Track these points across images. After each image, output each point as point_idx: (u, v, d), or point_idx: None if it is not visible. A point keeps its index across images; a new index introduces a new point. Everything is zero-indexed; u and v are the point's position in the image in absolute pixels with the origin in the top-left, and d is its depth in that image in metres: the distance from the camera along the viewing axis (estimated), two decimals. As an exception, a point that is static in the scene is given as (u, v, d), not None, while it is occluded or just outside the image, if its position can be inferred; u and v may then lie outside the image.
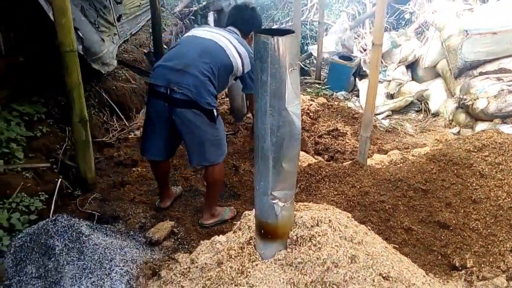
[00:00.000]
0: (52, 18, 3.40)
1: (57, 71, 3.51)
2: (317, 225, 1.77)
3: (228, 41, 2.91)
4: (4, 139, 3.24)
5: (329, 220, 1.81)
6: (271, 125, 1.56)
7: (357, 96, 6.10)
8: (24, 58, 3.88)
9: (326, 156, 4.37)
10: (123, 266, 2.65)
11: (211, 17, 7.91)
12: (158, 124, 2.95)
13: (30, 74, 3.89)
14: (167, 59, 2.84)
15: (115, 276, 2.57)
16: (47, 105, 3.98)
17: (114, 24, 5.33)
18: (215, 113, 2.88)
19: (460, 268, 2.72)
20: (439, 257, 2.82)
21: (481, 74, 4.91)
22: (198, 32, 2.98)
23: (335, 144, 4.53)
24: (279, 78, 1.48)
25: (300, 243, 1.73)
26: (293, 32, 1.47)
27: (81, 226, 2.77)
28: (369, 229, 2.07)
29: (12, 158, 3.25)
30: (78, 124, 3.32)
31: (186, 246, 3.03)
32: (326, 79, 6.49)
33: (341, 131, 4.76)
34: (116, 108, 4.88)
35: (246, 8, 3.20)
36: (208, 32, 2.94)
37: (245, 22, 3.12)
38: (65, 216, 2.83)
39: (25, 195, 3.10)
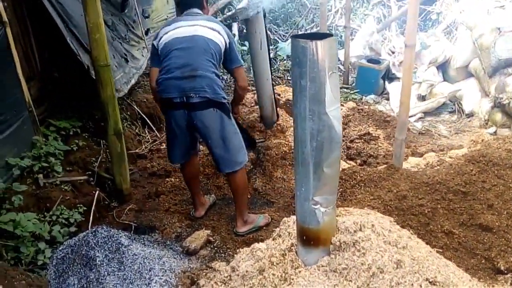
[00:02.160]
0: (69, 43, 3.51)
1: (91, 85, 3.60)
2: (360, 230, 1.74)
3: (206, 28, 2.94)
4: (43, 153, 3.33)
5: (372, 224, 1.78)
6: (311, 129, 1.54)
7: (387, 99, 6.01)
8: (59, 74, 3.99)
9: (359, 161, 4.31)
10: (162, 275, 2.68)
11: (235, 27, 7.97)
12: (179, 134, 3.05)
13: (65, 89, 4.00)
14: (171, 71, 2.88)
15: (154, 286, 2.59)
16: (82, 119, 4.08)
17: (143, 38, 5.43)
18: (229, 106, 3.05)
19: (505, 271, 2.62)
20: (483, 261, 2.73)
21: (516, 71, 4.78)
22: (176, 32, 2.95)
23: (367, 148, 4.47)
24: (318, 82, 1.47)
25: (344, 248, 1.70)
26: (331, 35, 1.45)
27: (120, 237, 2.81)
28: (411, 234, 2.02)
29: (51, 172, 3.34)
30: (113, 136, 3.39)
31: (223, 255, 3.03)
32: (354, 83, 6.42)
33: (373, 135, 4.69)
34: (148, 120, 4.95)
35: None
36: (185, 28, 2.94)
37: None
38: (104, 227, 2.88)
39: (65, 208, 3.18)
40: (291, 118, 4.28)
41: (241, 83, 3.15)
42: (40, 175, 3.24)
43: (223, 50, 2.99)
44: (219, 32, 2.97)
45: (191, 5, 3.08)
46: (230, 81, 6.59)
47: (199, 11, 3.09)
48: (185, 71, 2.85)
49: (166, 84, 2.90)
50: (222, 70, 3.37)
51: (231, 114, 3.08)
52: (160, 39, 2.98)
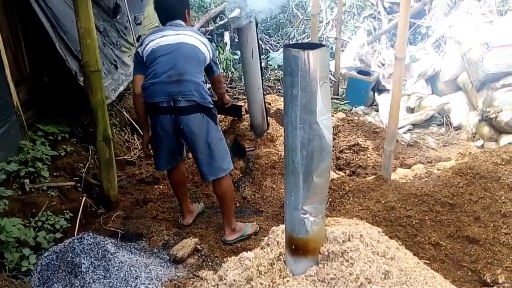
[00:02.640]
0: (58, 48, 3.50)
1: (80, 91, 3.58)
2: (349, 240, 1.73)
3: (192, 37, 2.99)
4: (30, 158, 3.29)
5: (361, 235, 1.78)
6: (302, 138, 1.54)
7: (377, 110, 6.06)
8: (49, 79, 3.96)
9: (348, 171, 4.32)
10: (149, 284, 2.65)
11: (227, 36, 8.00)
12: (165, 139, 3.06)
13: (54, 94, 3.97)
14: (158, 76, 2.90)
15: (141, 294, 2.56)
16: (70, 124, 4.05)
17: (134, 44, 5.42)
18: (215, 112, 3.10)
19: (491, 284, 2.64)
20: (469, 273, 2.75)
21: (504, 86, 4.84)
22: (162, 40, 2.97)
23: (356, 159, 4.49)
24: (309, 91, 1.47)
25: (332, 258, 1.70)
26: (323, 45, 1.46)
27: (107, 244, 2.78)
28: (399, 244, 2.03)
29: (38, 177, 3.30)
30: (102, 142, 3.37)
31: (210, 263, 3.01)
32: (344, 94, 6.47)
33: (362, 145, 4.71)
34: (137, 126, 4.92)
35: (162, 1, 3.17)
36: (171, 37, 2.97)
37: (177, 10, 3.11)
38: (90, 234, 2.85)
39: (51, 214, 3.13)
40: (281, 127, 4.29)
41: (222, 89, 3.49)
42: (27, 180, 3.20)
43: (207, 61, 3.05)
44: (204, 44, 3.03)
45: (174, 17, 3.10)
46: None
47: (183, 23, 3.12)
48: (172, 76, 2.88)
49: (153, 89, 2.91)
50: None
51: (216, 120, 3.12)
52: (146, 46, 2.98)
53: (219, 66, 3.33)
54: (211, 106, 3.02)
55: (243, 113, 4.41)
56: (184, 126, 2.94)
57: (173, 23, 3.08)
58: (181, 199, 3.42)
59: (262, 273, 1.83)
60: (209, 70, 3.14)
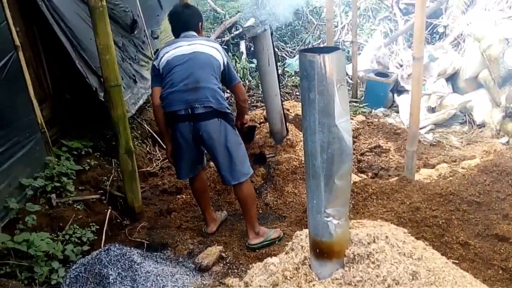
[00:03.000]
0: (78, 66, 3.59)
1: (101, 106, 3.65)
2: (374, 241, 1.72)
3: (205, 46, 3.04)
4: (55, 173, 3.37)
5: (386, 236, 1.76)
6: (321, 142, 1.54)
7: (397, 112, 5.99)
8: (71, 96, 4.05)
9: (370, 174, 4.28)
10: (176, 293, 2.66)
11: (243, 45, 8.06)
12: (186, 147, 3.10)
13: (76, 111, 4.06)
14: (174, 85, 2.96)
15: (168, 303, 2.58)
16: (93, 139, 4.13)
17: (152, 58, 5.51)
18: (232, 117, 3.14)
19: (524, 282, 2.58)
20: (500, 271, 2.69)
21: (526, 81, 4.76)
22: (176, 51, 3.02)
23: (378, 161, 4.44)
24: (327, 95, 1.48)
25: (358, 261, 1.68)
26: (339, 48, 1.47)
27: (133, 255, 2.81)
28: (426, 245, 2.00)
29: (64, 192, 3.37)
30: (124, 155, 3.42)
31: (236, 271, 3.01)
32: (363, 97, 6.43)
33: (384, 147, 4.67)
34: (158, 138, 4.98)
35: (181, 11, 3.24)
36: (185, 47, 3.02)
37: (190, 22, 3.17)
38: (117, 245, 2.89)
39: (77, 227, 3.20)
40: (300, 132, 4.28)
41: (242, 97, 3.30)
42: (53, 195, 3.27)
43: (221, 68, 3.07)
44: (217, 50, 3.08)
45: (187, 29, 3.16)
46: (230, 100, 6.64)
47: (195, 34, 3.18)
48: (188, 84, 2.93)
49: (171, 98, 2.97)
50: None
51: (234, 125, 3.15)
52: (161, 58, 3.05)
53: (236, 75, 3.31)
54: (228, 111, 3.05)
55: (262, 121, 4.42)
56: (203, 132, 2.98)
57: (187, 34, 3.14)
58: (204, 208, 3.45)
59: (288, 278, 1.83)
60: (226, 78, 3.15)
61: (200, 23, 3.24)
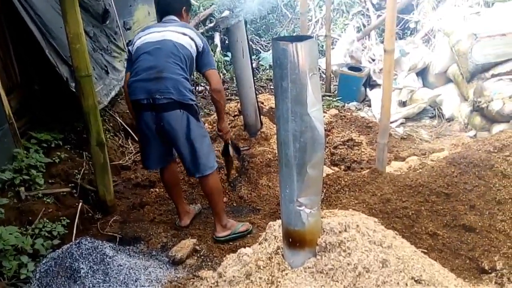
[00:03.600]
0: (48, 55, 3.50)
1: (71, 97, 3.57)
2: (345, 230, 1.75)
3: (176, 33, 2.99)
4: (24, 166, 3.28)
5: (357, 225, 1.79)
6: (294, 131, 1.56)
7: (369, 106, 6.08)
8: (39, 86, 3.95)
9: (343, 167, 4.33)
10: (149, 286, 2.65)
11: (217, 38, 8.02)
12: (151, 137, 3.06)
13: (46, 102, 3.96)
14: (138, 73, 2.93)
15: (141, 296, 2.56)
16: (63, 131, 4.04)
17: (124, 49, 5.42)
18: (197, 109, 3.04)
19: (489, 271, 2.66)
20: (467, 261, 2.76)
21: (493, 76, 4.87)
22: (147, 37, 3.01)
23: (351, 154, 4.50)
24: (299, 83, 1.49)
25: (329, 249, 1.71)
26: (311, 37, 1.48)
27: (105, 248, 2.78)
28: (396, 234, 2.04)
29: (33, 185, 3.29)
30: (96, 147, 3.36)
31: (210, 263, 3.01)
32: (336, 91, 6.49)
33: (356, 140, 4.73)
34: (131, 131, 4.92)
35: None
36: (157, 33, 3.00)
37: (172, 6, 3.15)
38: (88, 239, 2.85)
39: (47, 221, 3.12)
40: (274, 126, 4.29)
41: (214, 85, 3.07)
42: (22, 188, 3.18)
43: (194, 54, 3.01)
44: (190, 37, 3.01)
45: (168, 13, 3.14)
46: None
47: (176, 19, 3.13)
48: (151, 73, 2.89)
49: (134, 86, 2.94)
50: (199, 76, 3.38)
51: (199, 117, 3.08)
52: (134, 43, 3.04)
53: (213, 62, 3.18)
54: (192, 102, 2.98)
55: (236, 114, 4.41)
56: (165, 123, 2.93)
57: (166, 18, 3.11)
58: (176, 200, 3.42)
59: (261, 267, 1.84)
60: (198, 64, 3.07)
61: (183, 8, 3.17)
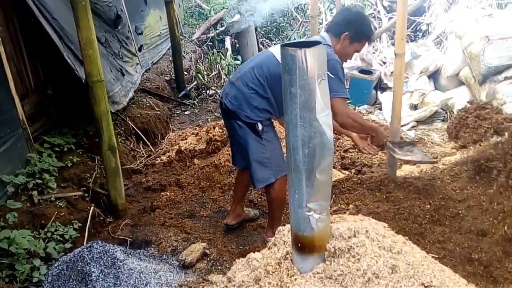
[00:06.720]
0: (67, 58, 3.54)
1: (84, 102, 3.61)
2: (355, 236, 1.74)
3: None
4: (37, 170, 3.33)
5: (366, 230, 1.78)
6: (303, 136, 1.55)
7: (380, 109, 6.05)
8: (53, 91, 4.01)
9: (353, 170, 4.32)
10: (159, 289, 2.66)
11: (228, 41, 8.04)
12: (230, 136, 3.14)
13: (59, 106, 4.01)
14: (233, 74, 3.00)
15: (151, 300, 2.58)
16: (76, 135, 4.09)
17: (136, 54, 5.47)
18: (259, 127, 2.84)
19: (502, 279, 2.62)
20: (480, 267, 2.73)
21: (506, 78, 4.82)
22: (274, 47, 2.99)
23: (361, 158, 4.48)
24: (308, 89, 1.49)
25: (339, 255, 1.70)
26: (320, 43, 1.48)
27: (116, 252, 2.80)
28: (406, 239, 2.02)
29: (46, 189, 3.33)
30: (107, 151, 3.40)
31: (219, 267, 3.02)
32: (347, 94, 6.47)
33: (367, 144, 4.70)
34: (142, 135, 4.96)
35: (340, 12, 3.16)
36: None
37: (335, 24, 2.88)
38: (99, 242, 2.87)
39: (59, 224, 3.16)
40: (283, 129, 4.29)
41: (335, 117, 2.63)
42: (35, 192, 3.23)
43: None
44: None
45: (327, 29, 2.96)
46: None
47: (326, 37, 2.89)
48: (233, 77, 2.94)
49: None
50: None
51: (268, 142, 2.90)
52: None
53: (339, 88, 2.68)
54: (250, 121, 2.81)
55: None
56: (229, 128, 3.02)
57: (320, 35, 2.98)
58: (235, 199, 3.45)
59: (270, 272, 1.83)
60: None
61: (342, 35, 2.81)
